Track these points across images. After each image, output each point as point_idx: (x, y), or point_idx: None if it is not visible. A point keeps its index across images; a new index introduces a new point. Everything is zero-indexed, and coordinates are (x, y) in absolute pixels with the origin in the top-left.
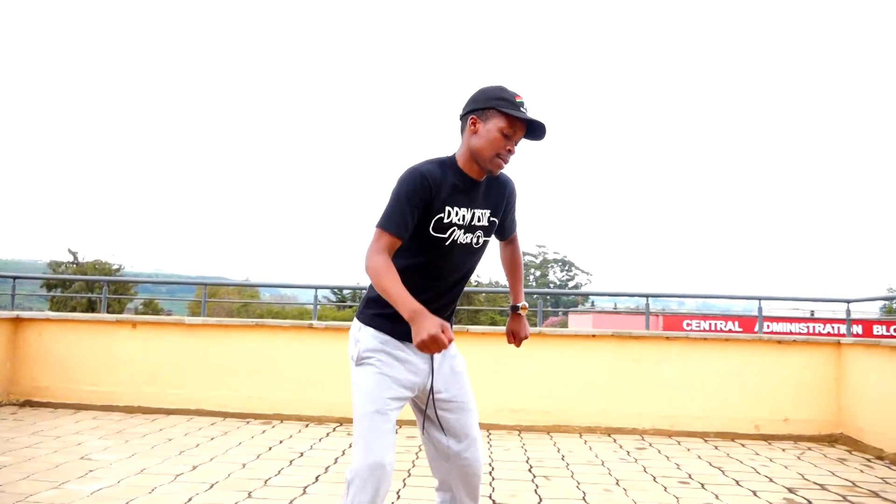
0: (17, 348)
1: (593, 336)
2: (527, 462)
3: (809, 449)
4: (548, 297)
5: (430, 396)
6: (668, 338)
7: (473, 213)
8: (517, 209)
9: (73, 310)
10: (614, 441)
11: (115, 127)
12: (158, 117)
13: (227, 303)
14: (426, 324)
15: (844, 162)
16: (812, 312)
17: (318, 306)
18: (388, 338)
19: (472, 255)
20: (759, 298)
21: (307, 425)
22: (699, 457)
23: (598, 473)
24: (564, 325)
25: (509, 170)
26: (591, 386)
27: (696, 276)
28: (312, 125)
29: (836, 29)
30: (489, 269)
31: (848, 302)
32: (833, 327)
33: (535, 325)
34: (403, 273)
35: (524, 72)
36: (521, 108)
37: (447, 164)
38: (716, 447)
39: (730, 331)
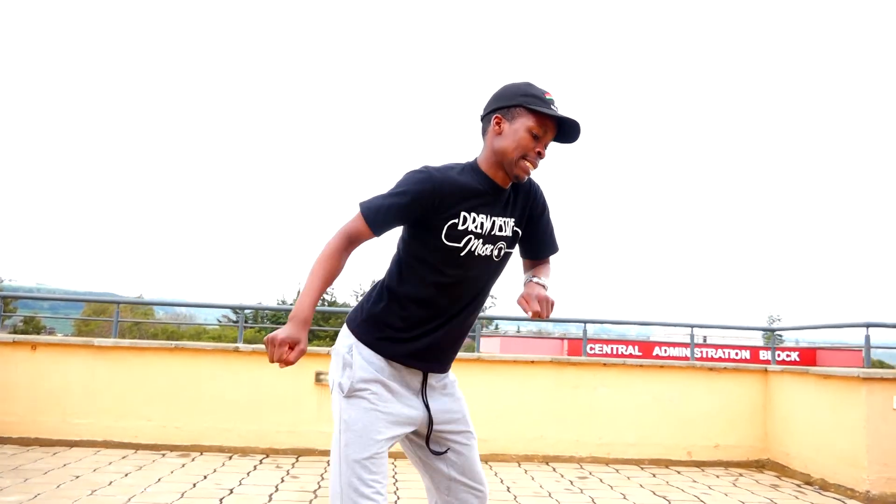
0: None
1: (532, 362)
2: None
3: (741, 475)
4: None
5: (430, 429)
6: (605, 364)
7: (494, 222)
8: (551, 225)
9: None
10: (553, 470)
11: None
12: (40, 121)
13: (117, 321)
14: (286, 330)
15: (776, 192)
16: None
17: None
18: (384, 364)
19: (492, 269)
20: (692, 326)
21: (230, 457)
22: (641, 486)
23: None
24: (472, 349)
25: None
26: (530, 413)
27: (630, 304)
28: (209, 136)
29: (836, 56)
30: None
31: (773, 331)
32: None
33: (473, 349)
34: (414, 295)
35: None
36: (552, 106)
37: (467, 168)
38: (653, 475)
39: (667, 356)
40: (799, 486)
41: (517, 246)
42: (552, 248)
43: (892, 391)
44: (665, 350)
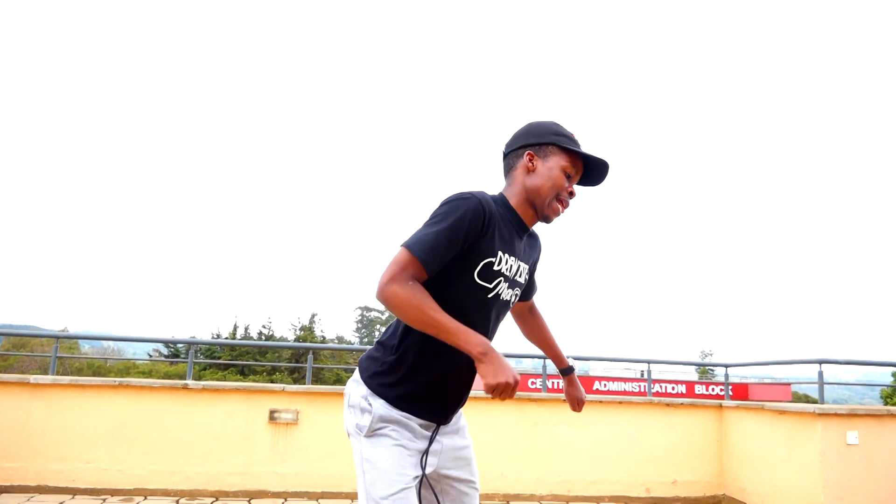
0: None
1: (491, 399)
2: None
3: None
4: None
5: (424, 475)
6: (564, 400)
7: (519, 266)
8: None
9: None
10: None
11: None
12: None
13: (38, 356)
14: (503, 365)
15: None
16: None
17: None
18: (404, 415)
19: (504, 315)
20: (648, 362)
21: (177, 501)
22: None
23: None
24: None
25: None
26: (490, 450)
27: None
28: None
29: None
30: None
31: (727, 366)
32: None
33: None
34: (432, 346)
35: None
36: (580, 147)
37: (500, 201)
38: None
39: (623, 392)
40: None
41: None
42: (535, 289)
43: (846, 426)
44: (604, 384)
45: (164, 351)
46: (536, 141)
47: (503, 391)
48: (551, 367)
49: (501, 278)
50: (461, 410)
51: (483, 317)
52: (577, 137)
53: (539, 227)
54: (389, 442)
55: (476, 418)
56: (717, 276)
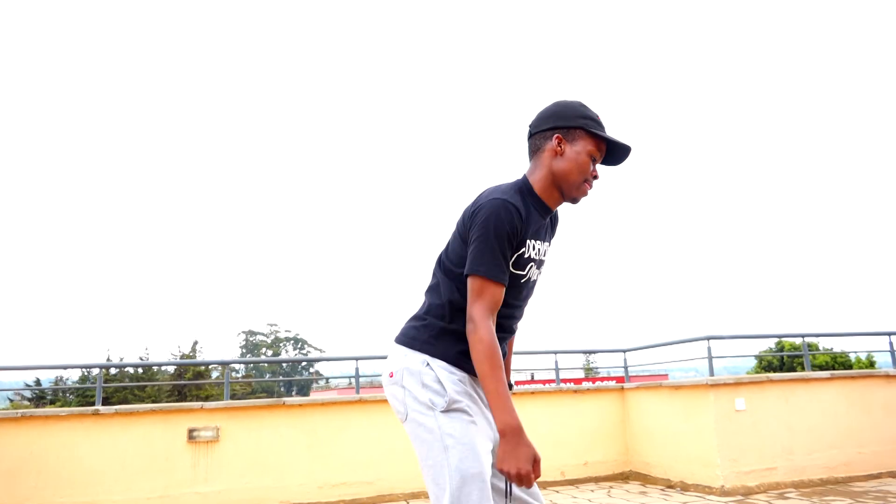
0: None
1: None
2: None
3: (611, 487)
4: (280, 375)
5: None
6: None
7: (545, 246)
8: None
9: None
10: None
11: None
12: None
13: None
14: (526, 451)
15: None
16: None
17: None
18: (465, 378)
19: (533, 289)
20: (556, 353)
21: None
22: None
23: None
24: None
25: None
26: (409, 451)
27: None
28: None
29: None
30: (218, 350)
31: (624, 351)
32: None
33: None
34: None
35: None
36: (606, 131)
37: (524, 191)
38: None
39: (532, 381)
40: (663, 489)
41: None
42: None
43: (734, 394)
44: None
45: (28, 394)
46: (565, 124)
47: (522, 478)
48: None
49: (532, 263)
50: None
51: (517, 299)
52: (601, 120)
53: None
54: (467, 419)
55: (394, 420)
56: (604, 267)
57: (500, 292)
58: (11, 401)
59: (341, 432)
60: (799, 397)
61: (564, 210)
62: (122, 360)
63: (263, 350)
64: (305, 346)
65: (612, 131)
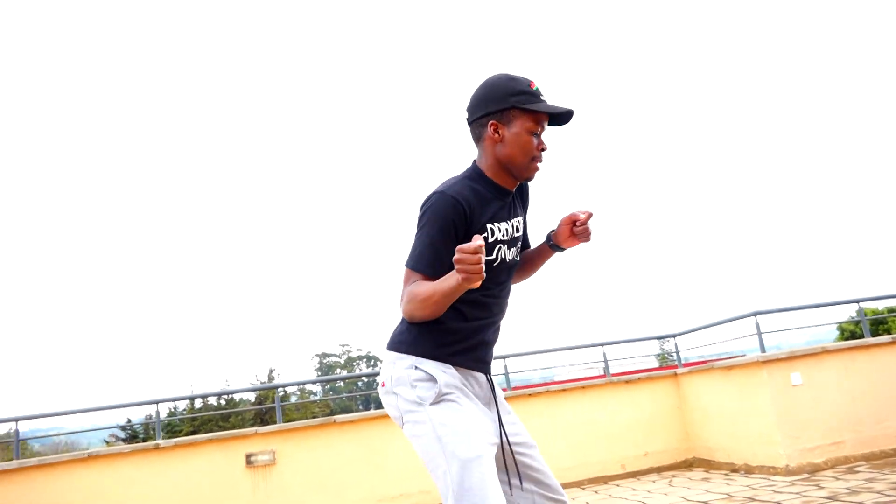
0: None
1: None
2: None
3: (673, 476)
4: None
5: (505, 441)
6: (530, 394)
7: (512, 224)
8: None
9: None
10: None
11: None
12: None
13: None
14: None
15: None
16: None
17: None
18: (454, 373)
19: (513, 269)
20: (602, 344)
21: None
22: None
23: None
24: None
25: None
26: None
27: (539, 337)
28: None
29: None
30: (294, 375)
31: (674, 336)
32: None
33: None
34: (459, 311)
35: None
36: (541, 98)
37: (475, 178)
38: (595, 491)
39: (582, 378)
40: (727, 474)
41: None
42: (528, 241)
43: (789, 368)
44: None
45: (121, 434)
46: (497, 108)
47: (467, 260)
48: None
49: (500, 245)
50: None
51: (499, 282)
52: (535, 86)
53: None
54: (457, 407)
55: None
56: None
57: (418, 278)
58: (107, 441)
59: (393, 443)
60: (861, 365)
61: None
62: (204, 397)
63: (338, 370)
64: (377, 362)
65: (548, 90)
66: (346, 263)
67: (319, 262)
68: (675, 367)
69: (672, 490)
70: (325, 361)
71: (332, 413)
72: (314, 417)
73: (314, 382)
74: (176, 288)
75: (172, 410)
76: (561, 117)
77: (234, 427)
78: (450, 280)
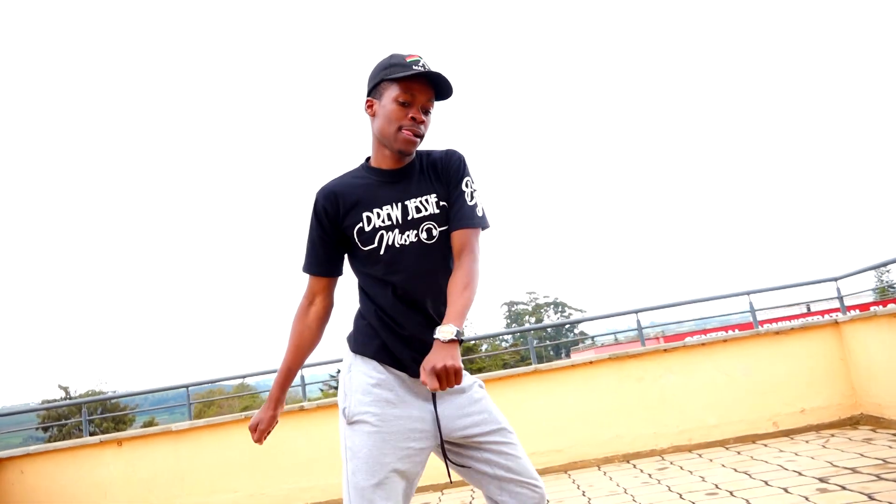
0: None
1: (591, 363)
2: None
3: (832, 436)
4: (547, 340)
5: (441, 440)
6: (666, 350)
7: (406, 206)
8: (470, 191)
9: None
10: (634, 467)
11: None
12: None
13: (189, 404)
14: (258, 412)
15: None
16: (808, 307)
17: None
18: (386, 375)
19: (430, 254)
20: (749, 293)
21: None
22: (723, 465)
23: (622, 501)
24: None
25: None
26: (600, 414)
27: (688, 287)
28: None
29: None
30: (484, 325)
31: (836, 279)
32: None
33: (531, 362)
34: (369, 304)
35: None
36: (414, 67)
37: (357, 168)
38: (738, 452)
39: (725, 328)
40: (895, 435)
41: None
42: (462, 220)
43: None
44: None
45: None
46: (371, 86)
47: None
48: (653, 330)
49: (382, 231)
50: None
51: (396, 270)
52: (415, 58)
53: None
54: (370, 429)
55: (576, 386)
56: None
57: (311, 280)
58: (322, 391)
59: (521, 404)
60: None
61: None
62: None
63: (526, 318)
64: (566, 308)
65: (437, 65)
66: (528, 209)
67: (500, 208)
68: (837, 310)
69: (822, 453)
70: (513, 310)
71: (524, 360)
72: (505, 367)
73: (503, 335)
74: None
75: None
76: (439, 87)
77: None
78: (274, 387)
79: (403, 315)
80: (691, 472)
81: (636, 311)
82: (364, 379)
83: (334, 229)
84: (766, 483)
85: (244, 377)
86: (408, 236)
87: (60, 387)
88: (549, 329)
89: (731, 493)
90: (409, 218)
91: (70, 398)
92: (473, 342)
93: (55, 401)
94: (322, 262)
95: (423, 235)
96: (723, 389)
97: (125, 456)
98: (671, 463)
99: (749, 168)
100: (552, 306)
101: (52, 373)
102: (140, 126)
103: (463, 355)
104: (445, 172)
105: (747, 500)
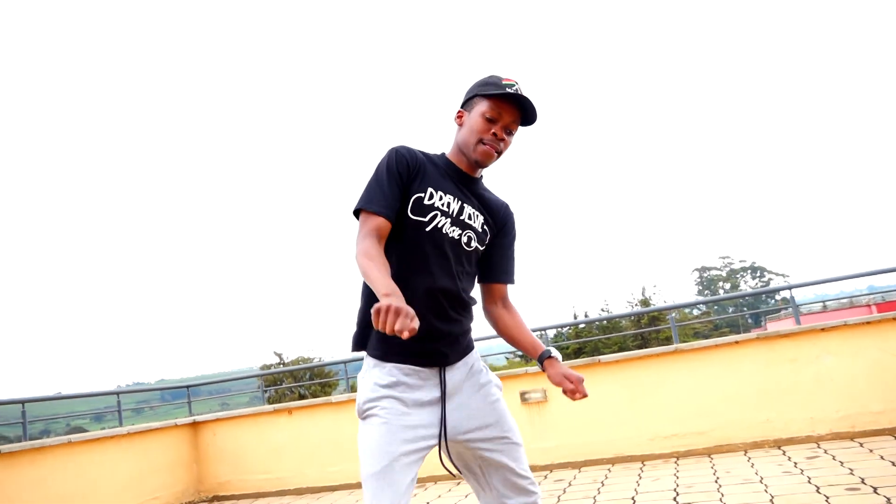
0: (198, 449)
1: (736, 343)
2: (674, 490)
3: None
4: (744, 308)
5: (444, 442)
6: (823, 329)
7: (463, 207)
8: (514, 254)
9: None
10: (783, 454)
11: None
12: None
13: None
14: (395, 299)
15: None
16: None
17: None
18: (396, 378)
19: (464, 257)
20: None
21: (457, 484)
22: (881, 457)
23: (752, 492)
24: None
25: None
26: (748, 397)
27: None
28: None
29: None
30: (673, 292)
31: None
32: None
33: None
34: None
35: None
36: (507, 90)
37: (435, 156)
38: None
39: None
40: None
41: (485, 246)
42: (506, 275)
43: None
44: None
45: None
46: (465, 99)
47: (385, 314)
48: (800, 297)
49: (437, 212)
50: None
51: (432, 250)
52: (511, 82)
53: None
54: (377, 421)
55: (720, 366)
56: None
57: (374, 219)
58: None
59: (659, 386)
60: None
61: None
62: (585, 313)
63: (720, 284)
64: (765, 273)
65: (529, 90)
66: (723, 166)
67: (688, 171)
68: None
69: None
70: (704, 276)
71: (717, 328)
72: (696, 338)
73: (694, 305)
74: None
75: (559, 333)
76: (527, 113)
77: (616, 345)
78: (383, 283)
79: (422, 296)
80: (842, 464)
81: (790, 287)
82: (377, 380)
83: (402, 180)
84: None
85: None
86: (454, 230)
87: (275, 353)
88: (746, 297)
89: (874, 489)
90: (462, 218)
91: (284, 364)
92: (659, 311)
93: (271, 366)
94: (388, 201)
95: (464, 239)
96: (891, 372)
97: (295, 423)
98: (825, 451)
99: None
100: (749, 271)
101: (269, 341)
102: (161, 131)
103: (650, 325)
104: (503, 221)
105: (888, 499)
